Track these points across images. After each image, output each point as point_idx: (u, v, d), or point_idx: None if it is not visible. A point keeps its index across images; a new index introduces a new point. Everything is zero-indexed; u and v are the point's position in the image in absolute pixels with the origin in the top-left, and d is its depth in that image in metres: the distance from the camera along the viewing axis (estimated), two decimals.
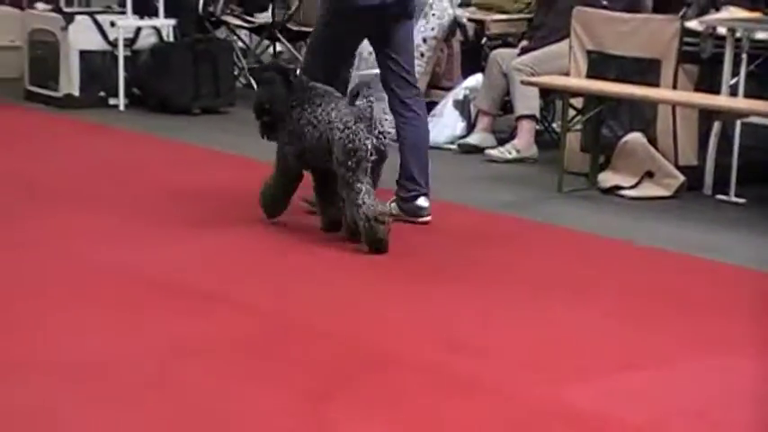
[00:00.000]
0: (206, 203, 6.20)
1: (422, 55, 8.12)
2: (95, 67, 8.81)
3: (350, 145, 5.44)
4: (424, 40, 8.14)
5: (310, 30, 9.55)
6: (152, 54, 8.83)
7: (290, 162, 5.71)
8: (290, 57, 10.12)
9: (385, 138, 5.58)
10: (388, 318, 4.58)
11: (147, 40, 8.94)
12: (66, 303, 4.62)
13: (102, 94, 8.83)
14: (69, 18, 8.78)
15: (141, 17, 9.04)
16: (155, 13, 9.08)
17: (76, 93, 8.74)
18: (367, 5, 5.79)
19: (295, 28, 9.56)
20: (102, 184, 6.53)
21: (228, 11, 9.81)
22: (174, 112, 8.63)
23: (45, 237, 5.52)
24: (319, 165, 5.63)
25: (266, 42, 9.96)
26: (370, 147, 5.47)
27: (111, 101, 8.82)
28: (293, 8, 9.72)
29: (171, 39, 9.01)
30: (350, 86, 8.29)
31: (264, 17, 9.71)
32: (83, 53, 8.75)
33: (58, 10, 9.12)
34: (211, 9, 9.83)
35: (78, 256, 5.24)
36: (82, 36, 8.76)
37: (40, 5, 9.42)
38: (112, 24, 8.81)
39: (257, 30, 9.70)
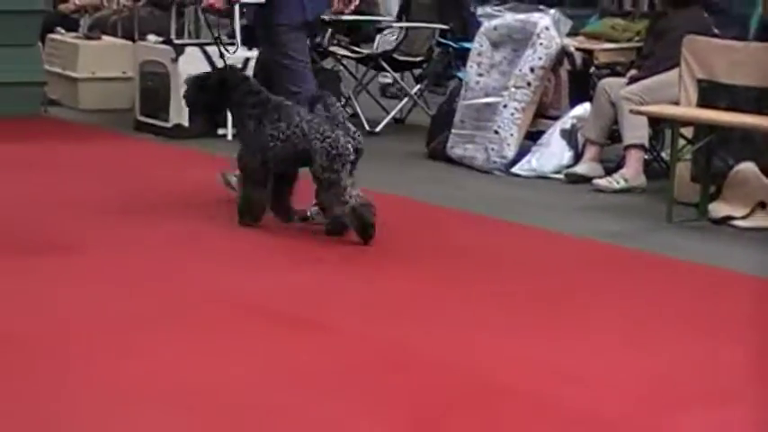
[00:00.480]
0: (302, 234, 6.22)
1: (528, 84, 8.08)
2: None
3: (334, 151, 5.91)
4: (532, 70, 8.09)
5: (416, 59, 9.68)
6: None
7: (253, 167, 6.13)
8: (397, 86, 10.16)
9: (359, 135, 6.07)
10: (496, 346, 4.53)
11: None
12: (175, 331, 4.65)
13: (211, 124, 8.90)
14: (180, 50, 8.89)
15: (250, 48, 9.12)
16: None
17: (185, 123, 8.84)
18: (308, 20, 6.47)
19: (401, 58, 9.58)
20: (208, 214, 6.58)
21: (335, 41, 9.86)
22: None
23: (152, 266, 5.58)
24: (285, 170, 6.13)
25: (372, 72, 9.99)
26: (351, 149, 5.95)
27: (220, 131, 8.90)
28: (399, 38, 9.74)
29: None
30: (457, 116, 8.31)
31: (371, 47, 9.75)
32: None
33: (168, 42, 9.25)
34: (318, 40, 9.89)
35: (184, 284, 5.29)
36: (192, 67, 8.83)
37: (151, 38, 9.56)
38: (221, 56, 8.89)
39: (363, 60, 9.74)
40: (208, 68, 8.84)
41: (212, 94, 6.29)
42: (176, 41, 9.31)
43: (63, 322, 4.73)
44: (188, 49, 8.94)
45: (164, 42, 9.25)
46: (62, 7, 11.21)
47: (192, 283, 5.29)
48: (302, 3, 6.40)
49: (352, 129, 6.08)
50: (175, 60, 8.83)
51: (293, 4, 6.39)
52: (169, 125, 8.87)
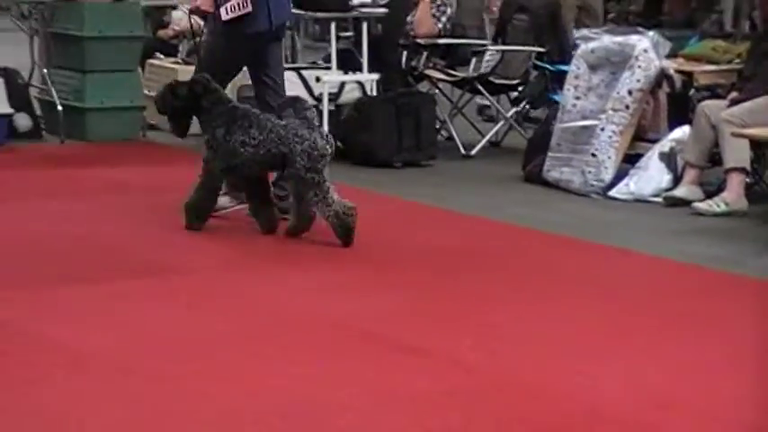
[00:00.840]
0: (405, 256, 6.21)
1: (627, 107, 7.99)
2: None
3: (315, 152, 6.23)
4: (630, 92, 8.00)
5: (512, 82, 9.63)
6: (356, 108, 8.93)
7: (216, 175, 6.41)
8: (493, 109, 10.13)
9: (330, 138, 6.40)
10: (599, 372, 4.47)
11: (350, 95, 9.05)
12: (275, 353, 4.66)
13: None
14: None
15: (345, 72, 9.17)
16: (359, 69, 9.20)
17: None
18: (259, 31, 6.66)
19: (497, 81, 9.54)
20: (300, 237, 6.60)
21: (431, 65, 9.86)
22: (376, 165, 8.69)
23: (251, 289, 5.61)
24: (257, 174, 6.45)
25: (468, 96, 9.96)
26: (329, 149, 6.30)
27: None
28: (495, 61, 9.71)
29: (374, 93, 9.10)
30: (553, 139, 8.25)
31: (466, 70, 9.73)
32: None
33: None
34: (414, 63, 9.90)
35: (284, 306, 5.30)
36: (288, 92, 8.89)
37: None
38: (318, 80, 8.95)
39: (459, 83, 9.72)
40: (304, 92, 8.94)
41: (183, 101, 6.53)
42: None
43: (168, 342, 4.77)
44: (285, 74, 8.95)
45: None
46: (161, 33, 11.35)
47: (293, 305, 5.30)
48: (269, 11, 6.67)
49: (325, 131, 6.49)
50: None
51: (263, 13, 6.65)
52: None
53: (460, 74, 9.70)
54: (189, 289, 5.53)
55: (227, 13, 6.63)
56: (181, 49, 11.03)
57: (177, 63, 10.16)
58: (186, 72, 9.91)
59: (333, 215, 6.23)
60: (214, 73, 6.60)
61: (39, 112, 9.42)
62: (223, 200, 6.83)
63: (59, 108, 9.15)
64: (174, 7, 11.23)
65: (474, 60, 9.73)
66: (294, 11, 9.46)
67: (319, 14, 9.35)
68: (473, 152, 9.21)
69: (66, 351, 4.62)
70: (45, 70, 9.40)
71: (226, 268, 5.92)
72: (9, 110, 8.95)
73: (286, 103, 6.72)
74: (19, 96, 9.16)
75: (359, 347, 4.76)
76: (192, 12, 6.94)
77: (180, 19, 11.49)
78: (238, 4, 6.60)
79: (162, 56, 10.47)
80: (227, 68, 6.85)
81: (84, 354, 4.58)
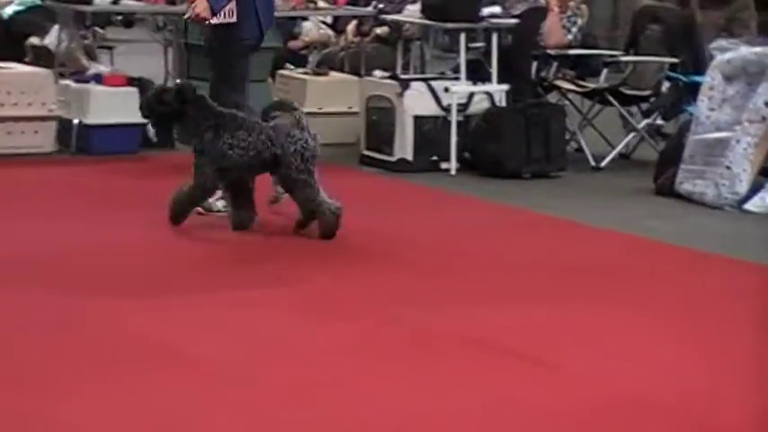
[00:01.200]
0: (535, 270, 6.15)
1: (763, 119, 7.81)
2: (428, 132, 8.94)
3: (307, 152, 6.44)
4: (766, 104, 7.81)
5: (644, 93, 9.48)
6: (484, 119, 8.89)
7: (209, 177, 6.51)
8: (626, 122, 9.97)
9: (318, 138, 6.61)
10: (736, 397, 4.35)
11: (479, 105, 9.01)
12: (391, 362, 4.65)
13: (434, 158, 8.94)
14: (405, 84, 8.95)
15: (474, 83, 9.13)
16: (487, 79, 9.15)
17: (410, 157, 8.88)
18: (249, 38, 6.91)
19: (628, 92, 9.40)
20: (428, 247, 6.57)
21: (561, 75, 9.77)
22: (504, 177, 8.63)
23: (367, 299, 5.59)
24: (247, 176, 6.58)
25: (598, 107, 9.84)
26: (318, 149, 6.52)
27: (443, 165, 8.91)
28: (627, 72, 9.57)
29: (503, 104, 9.05)
30: (686, 151, 8.09)
31: (597, 81, 9.62)
32: (417, 118, 8.90)
33: (394, 77, 9.32)
34: (543, 74, 9.82)
35: (398, 315, 5.28)
36: (417, 102, 8.92)
37: (377, 73, 9.66)
38: (446, 90, 8.93)
39: (589, 94, 9.60)
40: (433, 103, 8.93)
41: (169, 106, 6.63)
42: (402, 76, 9.38)
43: (282, 351, 4.79)
44: (413, 84, 8.99)
45: (390, 77, 9.33)
46: (292, 44, 11.45)
47: (408, 314, 5.28)
48: (258, 18, 6.89)
49: (313, 131, 6.61)
50: (401, 95, 8.89)
51: (252, 20, 6.87)
52: (394, 159, 8.93)
53: (591, 84, 9.60)
54: (304, 299, 5.56)
55: (216, 18, 6.80)
56: (311, 59, 11.13)
57: (307, 74, 10.24)
58: (316, 82, 10.02)
59: (326, 213, 6.46)
60: (231, 83, 6.82)
61: None
62: (219, 203, 6.94)
63: None
64: (305, 18, 11.33)
65: (605, 71, 9.61)
66: (423, 21, 9.53)
67: (449, 25, 9.34)
68: (603, 164, 9.09)
69: (181, 358, 4.67)
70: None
71: (341, 279, 5.92)
72: (142, 119, 9.09)
73: (272, 106, 6.88)
74: None
75: (479, 358, 4.73)
76: (191, 20, 7.00)
77: (310, 30, 11.60)
78: (224, 13, 6.77)
79: (292, 66, 10.56)
80: (239, 73, 6.98)
81: (198, 361, 4.63)
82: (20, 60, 9.94)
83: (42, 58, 10.25)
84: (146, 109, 6.82)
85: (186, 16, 6.98)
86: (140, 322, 5.11)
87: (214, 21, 6.80)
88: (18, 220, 6.82)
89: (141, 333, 4.96)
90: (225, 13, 6.78)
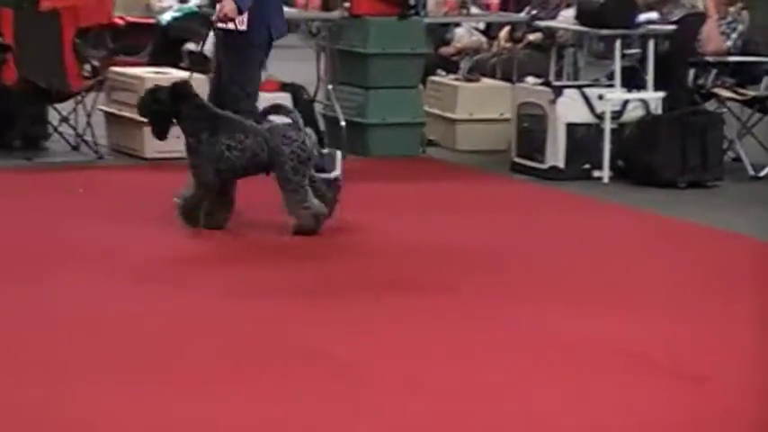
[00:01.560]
0: (688, 281, 6.02)
1: None
2: (581, 139, 8.82)
3: (304, 154, 6.46)
4: None
5: None
6: (639, 126, 8.74)
7: (209, 174, 6.50)
8: None
9: (315, 138, 6.70)
10: None
11: (633, 113, 8.86)
12: (533, 371, 4.61)
13: (586, 166, 8.82)
14: (558, 92, 8.85)
15: (629, 90, 8.98)
16: (641, 86, 8.98)
17: (561, 165, 8.78)
18: (260, 42, 6.99)
19: None
20: (576, 255, 6.46)
21: (720, 83, 9.53)
22: (659, 186, 8.46)
23: (510, 308, 5.52)
24: (242, 177, 6.60)
25: (758, 115, 9.56)
26: (315, 152, 6.59)
27: (596, 173, 8.78)
28: None
29: (658, 111, 8.87)
30: None
31: (757, 89, 9.36)
32: (569, 126, 8.79)
33: (547, 84, 9.22)
34: (701, 81, 9.59)
35: (542, 325, 5.22)
36: (569, 109, 8.80)
37: (530, 79, 9.58)
38: (600, 97, 8.80)
39: (750, 102, 9.34)
40: (586, 111, 8.80)
41: (164, 105, 6.65)
42: (555, 83, 9.27)
43: (426, 358, 4.78)
44: (566, 91, 8.88)
45: (542, 84, 9.23)
46: (443, 50, 11.42)
47: (550, 324, 5.20)
48: (269, 26, 6.96)
49: (310, 132, 6.67)
50: (553, 102, 8.79)
51: (263, 26, 6.94)
52: (545, 167, 8.83)
53: (751, 92, 9.34)
54: (450, 307, 5.54)
55: (225, 24, 6.86)
56: (462, 66, 11.06)
57: (458, 80, 10.19)
58: (467, 89, 9.96)
59: (309, 218, 6.48)
60: (250, 88, 6.88)
61: (322, 127, 9.61)
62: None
63: (342, 123, 9.31)
64: (458, 25, 11.29)
65: (766, 78, 9.35)
66: (578, 27, 9.40)
67: (604, 31, 9.20)
68: (762, 173, 8.84)
69: (331, 360, 4.71)
70: (330, 86, 9.59)
71: (488, 289, 5.88)
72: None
73: (267, 110, 6.86)
74: (304, 112, 9.36)
75: (618, 368, 4.67)
76: (221, 20, 6.93)
77: (462, 36, 11.55)
78: (236, 20, 6.82)
79: (444, 72, 10.52)
80: (256, 77, 7.08)
81: (346, 364, 4.67)
82: (176, 66, 10.13)
83: (198, 63, 10.42)
84: (141, 108, 6.89)
85: (213, 17, 6.97)
86: (297, 326, 5.17)
87: (229, 26, 6.84)
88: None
89: (297, 336, 5.02)
90: (236, 21, 6.83)
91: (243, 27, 6.87)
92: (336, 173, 7.02)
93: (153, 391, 4.34)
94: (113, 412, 4.14)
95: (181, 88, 6.71)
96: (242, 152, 6.55)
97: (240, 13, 6.78)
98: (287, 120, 6.69)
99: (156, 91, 6.86)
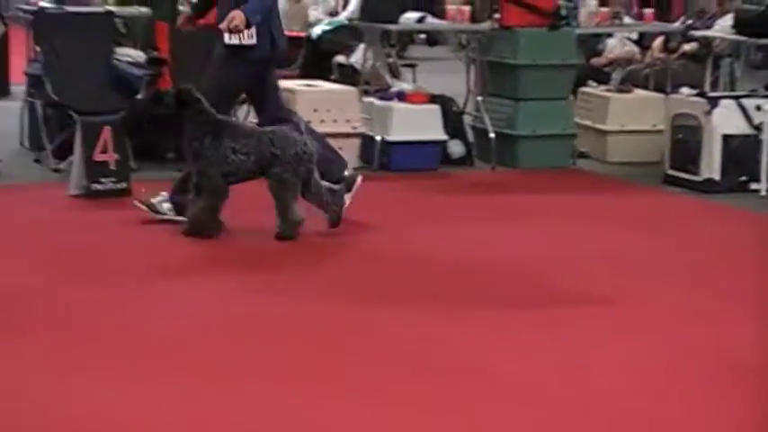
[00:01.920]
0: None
1: None
2: (737, 151, 8.61)
3: (305, 156, 6.56)
4: None
5: None
6: None
7: (216, 179, 6.55)
8: None
9: (313, 142, 6.71)
10: None
11: None
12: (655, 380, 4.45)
13: (743, 178, 8.61)
14: (714, 102, 8.66)
15: None
16: None
17: (717, 177, 8.58)
18: (261, 58, 6.91)
19: None
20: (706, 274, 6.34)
21: None
22: None
23: (665, 319, 5.43)
24: (246, 180, 6.65)
25: None
26: (315, 153, 6.64)
27: (753, 185, 8.57)
28: None
29: None
30: None
31: None
32: (725, 137, 8.59)
33: (702, 94, 9.03)
34: None
35: (676, 334, 5.15)
36: (726, 120, 8.60)
37: (684, 90, 9.39)
38: (758, 108, 8.58)
39: None
40: (743, 122, 8.59)
41: (167, 109, 6.70)
42: (711, 94, 9.08)
43: (579, 371, 4.71)
44: (723, 102, 8.69)
45: (697, 95, 9.04)
46: (594, 61, 11.29)
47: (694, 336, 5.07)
48: (272, 38, 6.91)
49: (308, 136, 6.71)
50: (709, 113, 8.60)
51: (266, 40, 6.89)
52: (700, 179, 8.64)
53: None
54: (609, 319, 5.49)
55: (230, 38, 6.80)
56: (614, 76, 10.91)
57: (610, 91, 10.05)
58: (619, 100, 9.82)
59: (293, 223, 6.55)
60: (216, 97, 6.73)
61: (471, 139, 9.57)
62: (165, 206, 6.92)
63: (491, 135, 9.25)
64: (610, 35, 11.14)
65: None
66: (735, 37, 9.19)
67: (763, 41, 8.97)
68: None
69: (482, 374, 4.71)
70: (479, 98, 9.55)
71: (644, 301, 5.80)
72: (444, 136, 9.16)
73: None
74: (453, 124, 9.36)
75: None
76: (230, 31, 6.81)
77: (614, 47, 11.40)
78: (244, 34, 6.76)
79: (595, 84, 10.39)
80: (228, 92, 7.01)
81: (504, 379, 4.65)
82: (325, 78, 10.21)
83: (348, 76, 10.48)
84: (141, 111, 7.01)
85: (222, 26, 6.87)
86: (446, 338, 5.15)
87: (228, 41, 6.82)
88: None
89: (448, 349, 5.01)
90: (244, 35, 6.80)
91: (252, 41, 6.86)
92: (338, 186, 6.96)
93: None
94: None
95: (184, 93, 6.75)
96: (247, 156, 6.61)
97: (249, 26, 6.80)
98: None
99: (159, 95, 6.96)
